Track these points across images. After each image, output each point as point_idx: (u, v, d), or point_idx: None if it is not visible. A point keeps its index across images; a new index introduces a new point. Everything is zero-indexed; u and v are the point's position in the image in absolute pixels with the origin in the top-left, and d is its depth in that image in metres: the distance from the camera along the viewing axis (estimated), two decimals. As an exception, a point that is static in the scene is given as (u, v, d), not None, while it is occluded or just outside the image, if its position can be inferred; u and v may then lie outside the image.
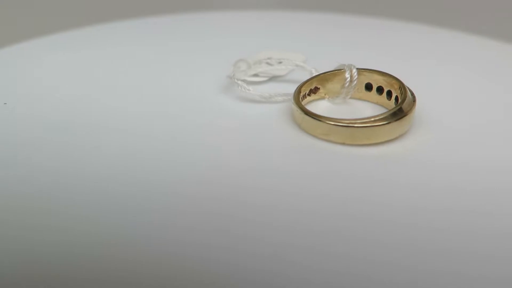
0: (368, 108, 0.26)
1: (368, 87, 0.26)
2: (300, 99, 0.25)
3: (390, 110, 0.24)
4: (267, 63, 0.28)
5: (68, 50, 0.31)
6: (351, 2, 0.49)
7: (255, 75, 0.28)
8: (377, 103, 0.26)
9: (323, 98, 0.27)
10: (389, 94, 0.26)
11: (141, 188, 0.21)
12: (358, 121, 0.23)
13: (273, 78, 0.28)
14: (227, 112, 0.25)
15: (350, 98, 0.27)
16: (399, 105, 0.24)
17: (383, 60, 0.29)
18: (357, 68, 0.26)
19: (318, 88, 0.26)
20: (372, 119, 0.23)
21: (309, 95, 0.26)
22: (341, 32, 0.34)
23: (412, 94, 0.25)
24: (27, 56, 0.30)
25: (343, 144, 0.24)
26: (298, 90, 0.25)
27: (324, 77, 0.26)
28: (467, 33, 0.34)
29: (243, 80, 0.27)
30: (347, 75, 0.26)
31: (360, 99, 0.27)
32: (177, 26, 0.33)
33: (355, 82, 0.26)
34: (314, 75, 0.27)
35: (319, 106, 0.26)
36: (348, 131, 0.23)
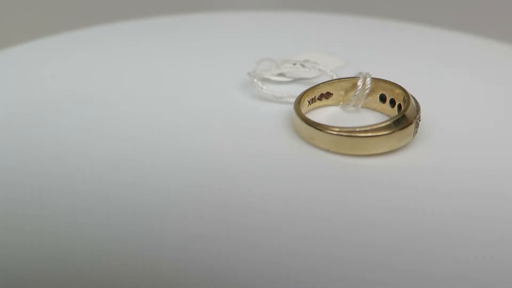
0: (376, 119, 0.25)
1: (382, 98, 0.26)
2: (308, 102, 0.26)
3: (377, 124, 0.23)
4: (301, 65, 0.28)
5: (72, 51, 0.31)
6: (357, 3, 0.46)
7: (281, 74, 0.28)
8: (389, 116, 0.26)
9: (336, 104, 0.26)
10: (400, 108, 0.25)
11: (135, 191, 0.22)
12: (344, 129, 0.23)
13: (300, 80, 0.28)
14: (233, 109, 0.26)
15: (366, 108, 0.26)
16: (389, 120, 0.23)
17: (387, 62, 0.28)
18: (373, 78, 0.26)
19: (331, 94, 0.26)
20: (358, 129, 0.23)
21: (319, 99, 0.26)
22: (348, 33, 0.33)
23: (418, 110, 0.24)
24: (33, 57, 0.31)
25: (328, 151, 0.23)
26: (304, 93, 0.25)
27: (339, 83, 0.26)
28: (472, 35, 0.32)
29: (266, 79, 0.28)
30: (360, 82, 0.26)
31: (375, 110, 0.26)
32: (190, 26, 0.34)
33: (367, 91, 0.26)
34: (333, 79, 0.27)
35: (325, 111, 0.26)
36: (332, 138, 0.23)
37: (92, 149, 0.23)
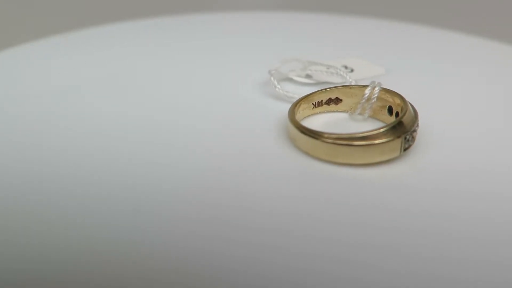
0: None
1: (390, 110, 0.25)
2: (313, 105, 0.25)
3: (354, 133, 0.22)
4: (338, 70, 0.28)
5: (76, 51, 0.32)
6: (361, 3, 0.42)
7: (308, 76, 0.28)
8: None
9: (346, 111, 0.26)
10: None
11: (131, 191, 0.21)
12: (321, 134, 0.22)
13: (324, 84, 0.28)
14: (242, 106, 0.26)
15: (375, 118, 0.25)
16: (367, 132, 0.22)
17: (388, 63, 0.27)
18: (383, 88, 0.25)
19: (341, 100, 0.25)
20: (334, 136, 0.22)
21: (327, 104, 0.26)
22: (355, 34, 0.31)
23: (411, 126, 0.23)
24: (34, 57, 0.31)
25: (307, 154, 0.23)
26: (304, 97, 0.25)
27: (349, 90, 0.25)
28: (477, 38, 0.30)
29: (290, 79, 0.28)
30: (367, 91, 0.25)
31: (384, 121, 0.25)
32: (200, 26, 0.34)
33: (374, 100, 0.25)
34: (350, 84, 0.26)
35: (326, 117, 0.25)
36: (310, 141, 0.23)
37: (95, 149, 0.23)
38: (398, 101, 0.24)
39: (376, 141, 0.22)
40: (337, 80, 0.28)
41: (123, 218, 0.20)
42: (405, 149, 0.23)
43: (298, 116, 0.24)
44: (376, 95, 0.24)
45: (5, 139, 0.24)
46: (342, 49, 0.31)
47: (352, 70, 0.29)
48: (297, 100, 0.25)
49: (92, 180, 0.22)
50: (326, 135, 0.22)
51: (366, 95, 0.25)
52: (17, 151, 0.23)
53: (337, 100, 0.25)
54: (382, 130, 0.22)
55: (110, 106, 0.26)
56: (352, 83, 0.26)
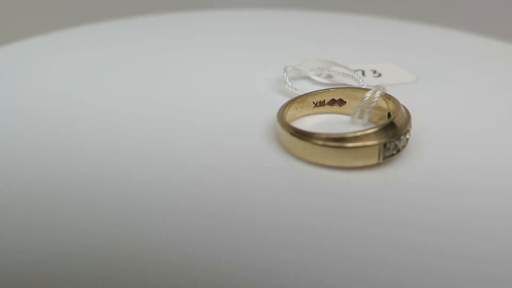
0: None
1: (390, 117, 0.23)
2: (314, 103, 0.25)
3: (333, 134, 0.21)
4: (352, 73, 0.27)
5: (77, 47, 0.31)
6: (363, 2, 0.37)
7: (328, 76, 0.27)
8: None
9: (349, 114, 0.25)
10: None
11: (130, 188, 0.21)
12: (299, 132, 0.22)
13: (340, 85, 0.27)
14: (247, 102, 0.26)
15: (375, 123, 0.24)
16: (341, 134, 0.21)
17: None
18: (386, 93, 0.23)
19: (344, 102, 0.24)
20: (325, 136, 0.21)
21: (330, 104, 0.25)
22: (354, 32, 0.29)
23: (395, 134, 0.21)
24: (41, 52, 0.30)
25: (286, 149, 0.22)
26: (307, 94, 0.24)
27: (352, 92, 0.24)
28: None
29: (307, 77, 0.27)
30: (368, 94, 0.23)
31: (383, 128, 0.24)
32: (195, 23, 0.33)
33: (373, 104, 0.23)
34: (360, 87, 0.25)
35: (324, 116, 0.24)
36: (287, 137, 0.22)
37: (86, 144, 0.23)
38: (391, 106, 0.22)
39: (349, 145, 0.21)
40: (356, 83, 0.26)
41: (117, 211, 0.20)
42: (386, 157, 0.21)
43: (294, 114, 0.24)
44: (376, 99, 0.23)
45: (8, 136, 0.24)
46: (376, 52, 0.29)
47: (379, 75, 0.28)
48: (294, 97, 0.24)
49: (90, 176, 0.21)
50: (305, 133, 0.21)
51: (366, 98, 0.23)
52: (17, 148, 0.23)
53: (341, 102, 0.24)
54: (358, 133, 0.21)
55: (107, 102, 0.26)
56: (364, 86, 0.25)
